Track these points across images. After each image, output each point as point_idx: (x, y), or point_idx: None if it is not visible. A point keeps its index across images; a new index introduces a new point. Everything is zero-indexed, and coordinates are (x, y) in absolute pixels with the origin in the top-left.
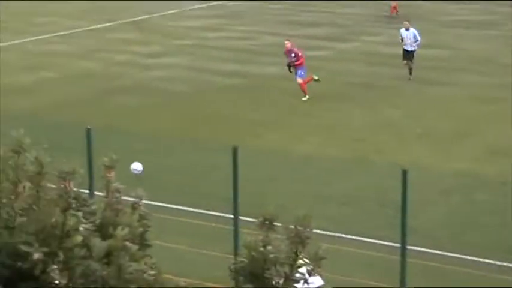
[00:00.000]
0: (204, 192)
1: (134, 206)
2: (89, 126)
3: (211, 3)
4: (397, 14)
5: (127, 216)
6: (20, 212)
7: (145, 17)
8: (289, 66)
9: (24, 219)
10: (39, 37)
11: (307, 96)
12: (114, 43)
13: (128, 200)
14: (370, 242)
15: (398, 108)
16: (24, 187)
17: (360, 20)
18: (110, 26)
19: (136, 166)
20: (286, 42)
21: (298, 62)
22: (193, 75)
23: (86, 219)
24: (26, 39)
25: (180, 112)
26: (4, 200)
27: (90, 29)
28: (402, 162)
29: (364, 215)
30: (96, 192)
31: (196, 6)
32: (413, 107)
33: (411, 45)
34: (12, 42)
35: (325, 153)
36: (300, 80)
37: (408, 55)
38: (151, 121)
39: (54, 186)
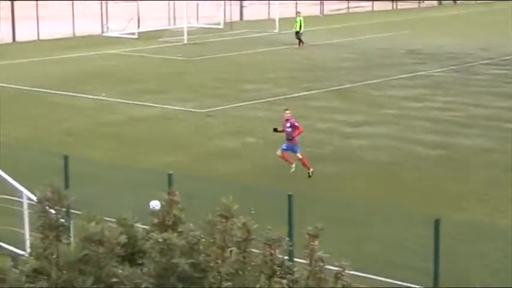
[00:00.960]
0: (400, 263)
1: (337, 276)
2: (290, 193)
3: (417, 73)
4: None
5: (329, 286)
6: (226, 276)
7: (349, 85)
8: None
9: (229, 284)
10: (244, 103)
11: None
12: (315, 111)
13: (331, 270)
14: None
15: None
16: (231, 252)
17: None
18: (311, 94)
19: (155, 204)
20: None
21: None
22: (395, 144)
23: (289, 287)
24: (232, 105)
25: (379, 181)
26: (211, 264)
27: (293, 97)
28: None
29: None
30: (296, 259)
31: (401, 76)
32: None
33: None
34: (217, 108)
35: None
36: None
37: None
38: (351, 189)
39: (259, 252)
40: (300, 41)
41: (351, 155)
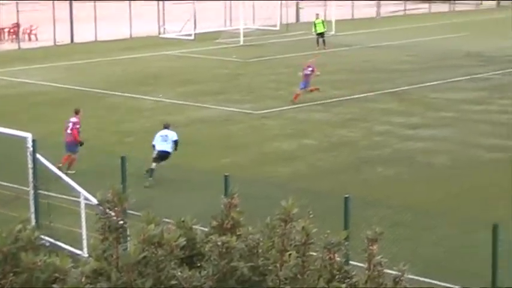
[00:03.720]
0: (459, 268)
1: (396, 281)
2: (347, 195)
3: (476, 76)
4: None
5: None
6: (285, 280)
7: (406, 87)
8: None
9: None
10: (300, 105)
11: None
12: (374, 113)
13: (390, 274)
14: None
15: None
16: (290, 256)
17: None
18: (370, 96)
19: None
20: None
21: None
22: (453, 147)
23: None
24: (288, 107)
25: (438, 185)
26: (270, 268)
27: (351, 98)
28: None
29: None
30: (353, 262)
31: (459, 78)
32: None
33: None
34: (273, 109)
35: None
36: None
37: None
38: (409, 193)
39: (319, 255)
40: (324, 42)
41: (409, 158)
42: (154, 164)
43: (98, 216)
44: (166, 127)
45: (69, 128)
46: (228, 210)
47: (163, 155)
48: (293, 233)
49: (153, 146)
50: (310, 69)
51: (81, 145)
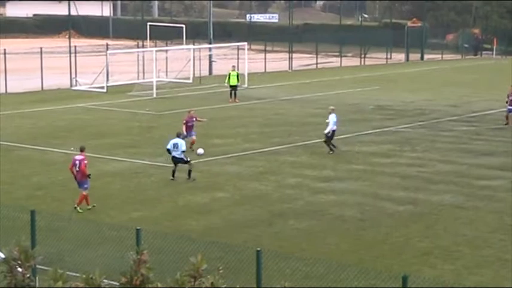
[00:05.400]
0: None
1: None
2: (259, 248)
3: (385, 129)
4: None
5: None
6: None
7: (318, 140)
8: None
9: None
10: (213, 158)
11: None
12: (285, 166)
13: None
14: None
15: None
16: None
17: None
18: (281, 149)
19: (200, 151)
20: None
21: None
22: (364, 200)
23: None
24: (201, 160)
25: (349, 237)
26: None
27: (263, 151)
28: None
29: None
30: None
31: (369, 131)
32: None
33: None
34: None
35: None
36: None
37: None
38: (321, 245)
39: None
40: (235, 95)
41: (321, 211)
42: (174, 166)
43: (3, 274)
44: (178, 136)
45: (77, 166)
46: (137, 267)
47: (176, 160)
48: None
49: (168, 150)
50: (193, 119)
51: (89, 177)
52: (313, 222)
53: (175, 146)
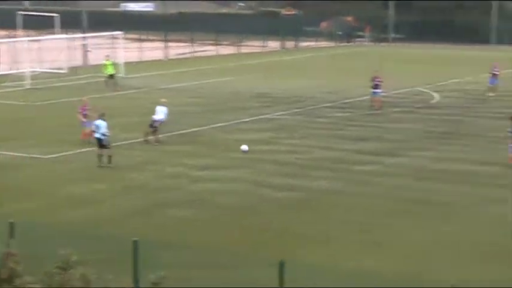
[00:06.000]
0: None
1: None
2: (135, 239)
3: (263, 117)
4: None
5: None
6: None
7: (196, 129)
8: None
9: None
10: (90, 148)
11: None
12: (165, 155)
13: None
14: None
15: (454, 225)
16: None
17: (408, 135)
18: (160, 137)
19: (244, 148)
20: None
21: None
22: (243, 187)
23: None
24: (78, 150)
25: (229, 225)
26: None
27: (141, 141)
28: (454, 282)
29: None
30: None
31: (248, 119)
32: (470, 224)
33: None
34: (63, 153)
35: (376, 270)
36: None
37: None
38: (202, 234)
39: None
40: (115, 84)
41: (201, 199)
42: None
43: None
44: (101, 117)
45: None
46: (5, 260)
47: (99, 143)
48: (73, 281)
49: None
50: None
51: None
52: (194, 211)
53: (97, 127)
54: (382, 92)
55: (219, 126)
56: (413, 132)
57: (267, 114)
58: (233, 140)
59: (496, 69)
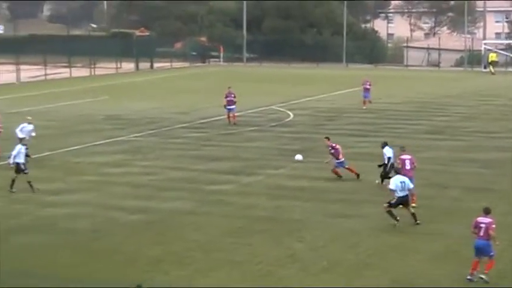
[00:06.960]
0: None
1: None
2: None
3: (116, 139)
4: None
5: None
6: None
7: (47, 153)
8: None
9: None
10: None
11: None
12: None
13: None
14: None
15: (303, 241)
16: None
17: (263, 154)
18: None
19: (298, 157)
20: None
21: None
22: (95, 211)
23: None
24: None
25: (81, 250)
26: None
27: None
28: None
29: None
30: None
31: (100, 142)
32: (318, 240)
33: None
34: None
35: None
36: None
37: None
38: (52, 260)
39: None
40: None
41: (51, 225)
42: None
43: None
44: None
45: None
46: None
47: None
48: None
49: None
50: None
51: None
52: (43, 237)
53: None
54: (235, 108)
55: (72, 149)
56: (268, 150)
57: (121, 136)
58: (86, 163)
59: (367, 84)
